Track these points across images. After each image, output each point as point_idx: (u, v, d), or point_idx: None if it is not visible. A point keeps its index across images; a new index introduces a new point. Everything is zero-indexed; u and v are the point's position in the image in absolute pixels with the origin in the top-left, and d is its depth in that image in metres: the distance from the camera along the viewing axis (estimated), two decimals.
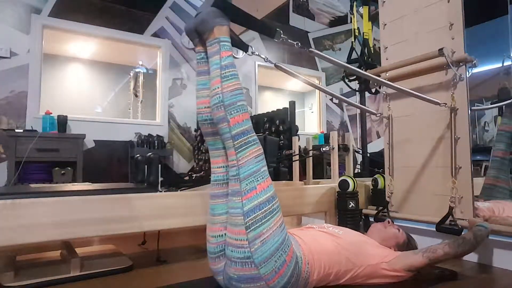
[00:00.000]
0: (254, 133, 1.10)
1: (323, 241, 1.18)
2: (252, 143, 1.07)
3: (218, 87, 1.08)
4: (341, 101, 6.08)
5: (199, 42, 1.19)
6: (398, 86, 1.58)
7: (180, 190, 1.67)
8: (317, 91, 5.98)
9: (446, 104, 1.59)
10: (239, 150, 1.05)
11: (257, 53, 1.27)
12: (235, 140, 1.05)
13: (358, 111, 5.33)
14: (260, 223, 0.99)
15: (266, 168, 1.09)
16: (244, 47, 1.26)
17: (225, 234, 1.08)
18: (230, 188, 1.08)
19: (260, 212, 1.00)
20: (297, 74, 1.43)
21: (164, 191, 1.54)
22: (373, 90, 3.16)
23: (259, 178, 1.04)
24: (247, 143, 1.06)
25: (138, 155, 2.19)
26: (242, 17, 1.21)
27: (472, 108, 1.65)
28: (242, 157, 1.05)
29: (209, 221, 1.15)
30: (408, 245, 1.32)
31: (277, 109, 3.79)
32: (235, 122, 1.06)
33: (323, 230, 1.25)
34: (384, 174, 1.95)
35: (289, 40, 1.30)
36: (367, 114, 4.38)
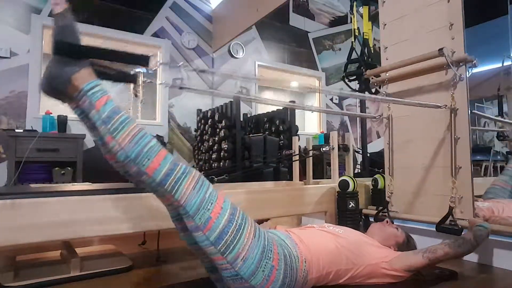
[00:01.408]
0: (180, 164, 0.96)
1: (323, 240, 1.18)
2: (183, 176, 0.95)
3: (114, 145, 0.92)
4: (341, 101, 6.08)
5: (67, 98, 1.00)
6: (400, 100, 1.58)
7: None
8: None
9: (446, 105, 1.59)
10: (173, 191, 0.93)
11: (149, 81, 1.13)
12: (164, 185, 0.93)
13: (358, 111, 5.33)
14: (233, 244, 0.94)
15: (210, 189, 0.98)
16: (130, 77, 1.08)
17: (206, 257, 1.03)
18: (187, 225, 0.97)
19: (228, 235, 0.94)
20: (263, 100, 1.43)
21: None
22: (373, 90, 3.16)
23: (209, 206, 0.94)
24: (177, 181, 0.94)
25: None
26: (98, 53, 0.99)
27: (473, 111, 1.65)
28: (180, 197, 0.93)
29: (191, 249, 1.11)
30: (407, 244, 1.32)
31: (277, 109, 3.79)
32: (153, 169, 0.92)
33: (323, 229, 1.26)
34: (384, 174, 1.95)
35: (169, 65, 1.15)
36: (366, 114, 4.38)
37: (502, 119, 2.23)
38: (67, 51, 0.93)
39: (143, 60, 1.02)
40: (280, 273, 1.00)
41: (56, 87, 0.95)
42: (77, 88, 0.95)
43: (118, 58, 1.03)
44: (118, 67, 1.05)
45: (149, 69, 1.04)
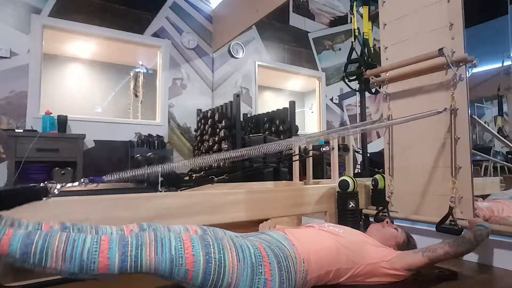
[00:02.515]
0: (128, 240, 0.88)
1: (322, 240, 1.18)
2: (139, 251, 0.87)
3: (53, 272, 0.83)
4: (341, 101, 6.08)
5: None
6: (398, 120, 1.56)
7: (180, 190, 1.67)
8: (317, 91, 5.98)
9: (446, 108, 1.59)
10: (138, 269, 0.87)
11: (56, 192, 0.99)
12: (126, 270, 0.87)
13: (358, 111, 5.33)
14: (220, 279, 0.93)
15: (173, 242, 0.93)
16: (37, 194, 0.94)
17: None
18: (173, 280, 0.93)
19: (212, 274, 0.92)
20: None
21: (164, 191, 1.54)
22: (373, 90, 3.16)
23: (180, 261, 0.90)
24: (136, 259, 0.87)
25: (138, 155, 2.18)
26: None
27: (472, 116, 1.65)
28: (148, 269, 0.88)
29: None
30: (408, 244, 1.32)
31: (277, 109, 3.79)
32: (106, 267, 0.84)
33: (323, 229, 1.25)
34: (384, 174, 1.95)
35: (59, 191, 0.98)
36: (367, 114, 4.38)
37: (501, 137, 2.23)
38: None
39: (37, 194, 0.89)
40: (275, 282, 0.99)
41: None
42: None
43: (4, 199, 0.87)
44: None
45: (47, 197, 0.91)
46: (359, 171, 3.54)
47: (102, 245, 0.85)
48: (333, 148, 2.16)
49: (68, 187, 1.01)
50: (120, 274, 0.87)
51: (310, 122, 6.29)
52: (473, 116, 1.74)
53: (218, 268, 0.93)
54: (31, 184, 0.94)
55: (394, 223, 1.47)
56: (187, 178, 2.32)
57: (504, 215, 1.63)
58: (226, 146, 3.27)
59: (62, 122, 3.49)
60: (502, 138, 2.20)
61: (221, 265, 0.94)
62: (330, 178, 2.21)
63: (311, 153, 2.49)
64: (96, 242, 0.85)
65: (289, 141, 1.40)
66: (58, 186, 0.97)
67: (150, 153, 3.61)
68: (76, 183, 1.01)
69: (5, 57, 3.50)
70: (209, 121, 3.73)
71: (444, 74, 1.64)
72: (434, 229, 1.55)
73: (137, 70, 5.21)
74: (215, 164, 3.45)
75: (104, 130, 3.97)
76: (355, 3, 3.51)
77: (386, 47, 1.94)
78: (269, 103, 6.31)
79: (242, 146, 3.25)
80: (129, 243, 0.88)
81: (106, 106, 5.58)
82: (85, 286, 1.29)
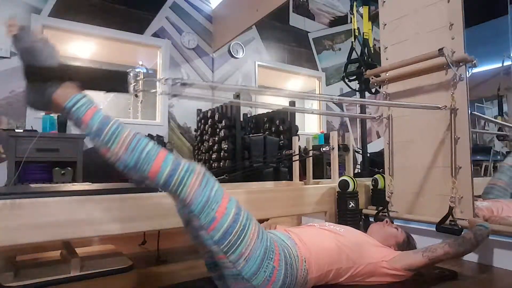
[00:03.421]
0: (182, 163, 0.95)
1: (323, 239, 1.18)
2: (187, 175, 0.93)
3: (111, 156, 0.93)
4: (340, 101, 6.08)
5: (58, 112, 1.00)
6: (399, 103, 1.58)
7: None
8: (317, 91, 5.98)
9: (446, 106, 1.59)
10: (178, 191, 0.93)
11: (139, 91, 1.07)
12: (169, 186, 0.93)
13: (358, 111, 5.33)
14: (236, 245, 0.94)
15: (216, 186, 0.97)
16: (121, 88, 1.02)
17: (207, 252, 1.04)
18: (192, 223, 0.97)
19: (232, 235, 0.93)
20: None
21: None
22: (373, 90, 3.16)
23: (214, 205, 0.93)
24: (181, 180, 0.92)
25: None
26: (71, 71, 0.95)
27: (473, 112, 1.65)
28: (186, 196, 0.92)
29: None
30: (408, 244, 1.32)
31: (277, 109, 3.79)
32: (155, 173, 0.92)
33: (324, 228, 1.26)
34: (384, 174, 1.95)
35: (153, 79, 1.09)
36: (367, 114, 4.38)
37: (500, 122, 2.23)
38: (37, 75, 0.88)
39: (120, 77, 0.98)
40: (281, 273, 1.00)
41: (40, 108, 0.95)
42: (60, 106, 0.94)
43: (94, 76, 1.00)
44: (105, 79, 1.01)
45: (126, 86, 1.00)
46: (359, 171, 3.53)
47: (160, 154, 0.94)
48: (333, 148, 2.16)
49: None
50: (162, 188, 0.94)
51: (310, 122, 6.28)
52: (474, 112, 1.74)
53: (240, 233, 0.95)
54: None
55: (394, 223, 1.47)
56: None
57: (504, 215, 1.62)
58: (226, 146, 3.26)
59: (62, 122, 3.49)
60: (506, 124, 2.18)
61: (243, 231, 0.95)
62: (330, 178, 2.21)
63: (311, 153, 2.49)
64: (156, 150, 0.94)
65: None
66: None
67: None
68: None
69: (5, 57, 3.50)
70: (209, 121, 3.73)
71: (444, 74, 1.64)
72: (434, 229, 1.55)
73: (137, 70, 5.20)
74: (215, 164, 3.45)
75: None
76: (355, 3, 3.51)
77: (386, 47, 1.94)
78: (269, 103, 6.31)
79: (242, 146, 3.24)
80: (181, 165, 0.95)
81: (106, 106, 5.58)
82: (85, 286, 1.29)
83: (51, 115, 3.35)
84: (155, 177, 0.92)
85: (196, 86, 1.13)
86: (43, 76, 0.89)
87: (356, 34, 3.45)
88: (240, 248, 0.94)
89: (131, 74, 1.00)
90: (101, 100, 5.54)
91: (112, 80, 1.01)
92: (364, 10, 3.50)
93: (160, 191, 1.53)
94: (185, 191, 0.92)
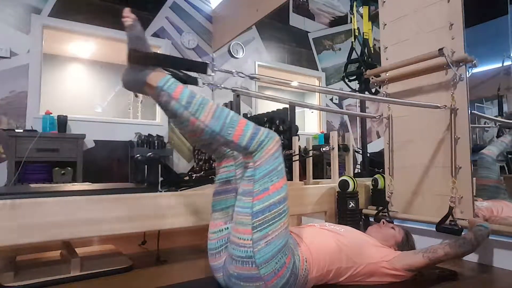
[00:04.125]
0: (262, 129, 1.06)
1: (323, 239, 1.18)
2: (266, 140, 1.04)
3: (199, 124, 1.01)
4: (341, 101, 6.08)
5: (147, 94, 1.11)
6: (399, 100, 1.58)
7: (180, 190, 1.67)
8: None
9: (446, 106, 1.59)
10: (254, 153, 1.03)
11: (207, 84, 1.22)
12: (249, 147, 1.03)
13: (358, 111, 5.33)
14: (268, 224, 0.99)
15: (283, 164, 1.06)
16: (193, 80, 1.17)
17: (225, 229, 1.10)
18: (241, 188, 1.06)
19: (270, 213, 1.00)
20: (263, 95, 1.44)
21: (164, 191, 1.54)
22: (373, 90, 3.16)
23: (274, 178, 1.02)
24: (261, 143, 1.03)
25: (138, 155, 2.18)
26: (165, 59, 1.18)
27: (473, 111, 1.65)
28: (258, 158, 1.03)
29: (211, 219, 1.17)
30: (407, 242, 1.32)
31: (277, 109, 3.79)
32: (238, 136, 1.02)
33: (324, 227, 1.26)
34: (384, 174, 1.95)
35: (224, 70, 1.28)
36: (367, 114, 4.38)
37: (501, 120, 2.23)
38: (140, 60, 1.05)
39: (201, 66, 1.13)
40: (288, 271, 1.02)
41: (134, 88, 1.08)
42: (153, 87, 1.03)
43: (181, 64, 1.19)
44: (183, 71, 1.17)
45: (208, 74, 1.15)
46: (359, 171, 3.53)
47: (242, 120, 1.05)
48: (333, 148, 2.16)
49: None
50: (243, 150, 1.05)
51: (310, 122, 6.28)
52: (474, 111, 1.73)
53: (277, 215, 1.02)
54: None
55: (394, 223, 1.47)
56: (187, 178, 2.32)
57: (503, 215, 1.62)
58: None
59: (62, 122, 3.49)
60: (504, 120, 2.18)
61: (279, 215, 1.03)
62: (330, 178, 2.21)
63: (311, 153, 2.49)
64: (238, 116, 1.06)
65: None
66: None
67: (150, 153, 3.61)
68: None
69: (5, 57, 3.50)
70: None
71: (444, 74, 1.64)
72: (434, 229, 1.55)
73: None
74: (215, 164, 3.45)
75: (104, 130, 3.96)
76: (355, 3, 3.50)
77: (386, 47, 1.94)
78: (269, 103, 6.31)
79: None
80: (261, 130, 1.06)
81: (106, 106, 5.58)
82: (85, 286, 1.29)
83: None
84: (238, 140, 1.02)
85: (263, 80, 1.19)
86: (145, 61, 1.06)
87: (356, 34, 3.45)
88: (269, 229, 0.99)
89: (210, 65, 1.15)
90: (102, 100, 5.54)
91: (193, 68, 1.16)
92: (364, 10, 3.50)
93: (160, 191, 1.53)
94: (260, 154, 1.03)
